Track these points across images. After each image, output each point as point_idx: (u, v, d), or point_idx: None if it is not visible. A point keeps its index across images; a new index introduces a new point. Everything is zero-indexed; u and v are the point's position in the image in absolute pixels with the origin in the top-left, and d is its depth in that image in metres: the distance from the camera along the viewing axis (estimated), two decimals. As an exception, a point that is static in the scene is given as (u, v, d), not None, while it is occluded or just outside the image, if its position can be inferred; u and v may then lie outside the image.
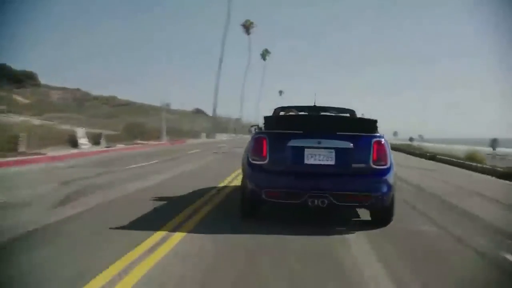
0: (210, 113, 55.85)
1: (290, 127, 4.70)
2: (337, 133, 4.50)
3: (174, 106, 44.16)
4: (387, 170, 4.46)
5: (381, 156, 4.44)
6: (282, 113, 6.45)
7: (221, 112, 60.31)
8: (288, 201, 4.45)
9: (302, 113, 6.45)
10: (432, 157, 18.07)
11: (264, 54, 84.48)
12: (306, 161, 4.42)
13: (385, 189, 4.40)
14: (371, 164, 4.40)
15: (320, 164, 4.41)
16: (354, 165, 4.40)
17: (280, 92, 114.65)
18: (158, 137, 26.48)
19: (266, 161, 4.47)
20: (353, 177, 4.41)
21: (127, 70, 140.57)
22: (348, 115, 6.55)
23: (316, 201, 4.31)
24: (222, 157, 15.15)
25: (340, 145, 4.42)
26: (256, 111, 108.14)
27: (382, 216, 4.67)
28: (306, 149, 4.42)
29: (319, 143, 4.42)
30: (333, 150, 4.41)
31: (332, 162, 4.41)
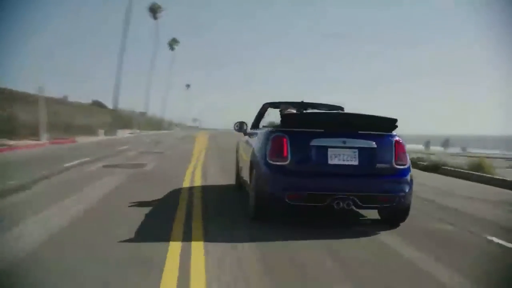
0: (110, 106, 49.17)
1: (311, 125, 4.43)
2: (359, 132, 4.39)
3: (72, 98, 40.54)
4: (408, 170, 4.48)
5: (402, 155, 4.45)
6: (280, 109, 6.05)
7: (124, 105, 54.17)
8: (312, 204, 4.29)
9: (316, 110, 6.14)
10: (435, 167, 11.87)
11: (172, 44, 78.56)
12: (330, 162, 4.27)
13: (407, 188, 4.42)
14: (394, 164, 4.37)
15: (344, 165, 4.29)
16: (378, 165, 4.35)
17: (187, 86, 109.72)
18: (33, 135, 19.87)
19: (287, 162, 4.26)
20: (377, 177, 4.36)
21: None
22: (339, 111, 6.29)
23: (341, 203, 4.19)
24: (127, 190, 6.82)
25: (364, 144, 4.34)
26: (163, 104, 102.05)
27: (398, 215, 4.63)
28: (329, 149, 4.28)
29: (344, 142, 4.30)
30: (356, 150, 4.31)
31: (356, 163, 4.30)
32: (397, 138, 4.48)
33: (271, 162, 4.30)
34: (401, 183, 4.40)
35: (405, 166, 4.45)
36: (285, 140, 4.26)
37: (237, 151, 7.01)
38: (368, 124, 4.55)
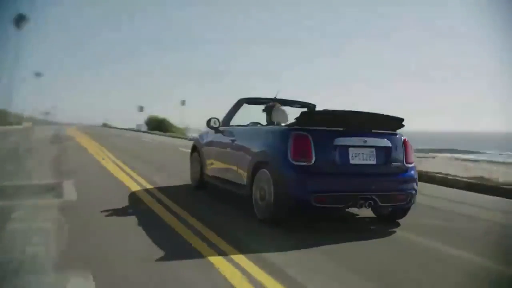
0: None
1: (329, 124, 4.31)
2: (373, 131, 4.41)
3: None
4: (414, 168, 4.60)
5: (410, 154, 4.54)
6: (267, 106, 5.68)
7: None
8: (337, 205, 4.21)
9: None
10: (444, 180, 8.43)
11: (19, 20, 64.19)
12: (351, 161, 4.21)
13: (416, 186, 4.52)
14: (404, 163, 4.46)
15: (364, 164, 4.28)
16: (393, 164, 4.39)
17: (38, 75, 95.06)
18: None
19: (312, 163, 4.05)
20: (393, 176, 4.40)
21: None
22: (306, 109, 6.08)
23: (364, 203, 4.13)
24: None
25: (381, 143, 4.36)
26: (8, 95, 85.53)
27: (399, 213, 4.68)
28: (350, 148, 4.22)
29: (365, 142, 4.28)
30: (374, 149, 4.32)
31: (374, 162, 4.31)
32: (404, 137, 4.61)
33: (294, 162, 4.10)
34: (413, 182, 4.51)
35: (413, 165, 4.60)
36: (308, 139, 4.11)
37: (195, 150, 6.56)
38: (380, 123, 4.59)
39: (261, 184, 4.43)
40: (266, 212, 4.36)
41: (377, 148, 4.34)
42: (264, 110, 5.69)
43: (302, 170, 4.07)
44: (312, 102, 6.23)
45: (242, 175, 4.84)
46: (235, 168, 5.05)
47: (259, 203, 4.47)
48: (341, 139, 4.21)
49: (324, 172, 4.13)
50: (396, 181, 4.40)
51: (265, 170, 4.37)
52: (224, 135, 5.56)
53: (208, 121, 5.70)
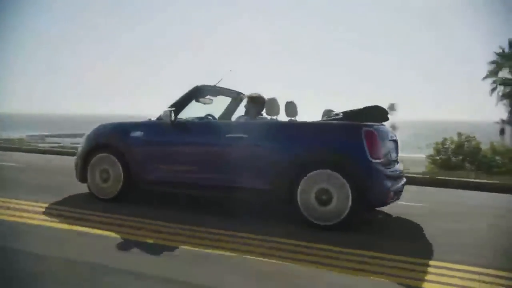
0: None
1: (368, 119, 4.13)
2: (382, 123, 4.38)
3: None
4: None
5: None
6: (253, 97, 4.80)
7: None
8: (395, 201, 4.15)
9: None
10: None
11: None
12: (393, 157, 4.40)
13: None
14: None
15: (394, 159, 4.47)
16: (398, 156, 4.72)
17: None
18: None
19: (382, 159, 3.97)
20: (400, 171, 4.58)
21: None
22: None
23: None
24: None
25: (394, 137, 4.58)
26: None
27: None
28: (388, 142, 4.27)
29: (392, 137, 4.46)
30: (393, 143, 4.52)
31: (396, 155, 4.56)
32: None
33: (374, 161, 3.89)
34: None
35: None
36: (378, 135, 3.99)
37: (105, 150, 4.76)
38: (380, 117, 4.49)
39: (321, 187, 3.93)
40: (333, 217, 3.91)
41: (395, 142, 4.59)
42: (250, 101, 4.77)
43: (381, 169, 3.93)
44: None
45: (267, 178, 4.14)
46: (244, 170, 4.25)
47: (319, 209, 3.94)
48: (391, 134, 4.40)
49: (385, 169, 4.04)
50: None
51: (327, 171, 3.93)
52: (202, 130, 4.61)
53: (163, 113, 4.49)
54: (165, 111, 4.49)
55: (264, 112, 4.69)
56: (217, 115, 5.59)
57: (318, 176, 3.92)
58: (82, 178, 4.80)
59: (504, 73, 29.13)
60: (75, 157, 4.99)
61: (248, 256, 3.06)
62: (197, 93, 4.74)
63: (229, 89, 5.33)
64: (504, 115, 43.58)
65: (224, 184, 4.28)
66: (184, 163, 4.50)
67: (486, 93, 30.26)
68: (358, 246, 3.37)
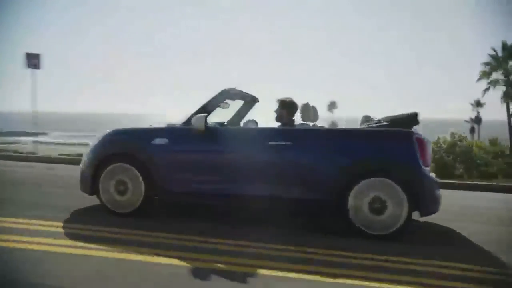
0: None
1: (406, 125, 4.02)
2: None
3: None
4: None
5: None
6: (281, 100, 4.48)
7: None
8: None
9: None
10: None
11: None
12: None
13: None
14: None
15: None
16: None
17: None
18: None
19: (429, 167, 3.93)
20: None
21: None
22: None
23: None
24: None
25: None
26: None
27: None
28: None
29: None
30: None
31: None
32: None
33: (425, 168, 3.84)
34: None
35: None
36: (426, 142, 3.93)
37: (122, 160, 4.28)
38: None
39: (375, 195, 3.78)
40: (388, 226, 3.77)
41: None
42: (282, 106, 4.44)
43: (432, 176, 3.94)
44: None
45: (315, 188, 3.93)
46: (289, 179, 4.00)
47: (376, 218, 3.78)
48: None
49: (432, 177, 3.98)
50: None
51: (381, 179, 3.79)
52: (240, 136, 4.26)
53: (194, 119, 4.11)
54: (198, 117, 4.05)
55: (295, 118, 4.45)
56: (226, 119, 5.37)
57: (371, 184, 3.77)
58: (91, 190, 4.25)
59: (497, 75, 30.02)
60: (80, 166, 4.38)
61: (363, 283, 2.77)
62: (224, 97, 4.38)
63: (247, 92, 5.05)
64: (473, 114, 45.57)
65: (266, 194, 3.96)
66: (221, 173, 4.08)
67: (455, 93, 30.94)
68: (424, 256, 3.32)
